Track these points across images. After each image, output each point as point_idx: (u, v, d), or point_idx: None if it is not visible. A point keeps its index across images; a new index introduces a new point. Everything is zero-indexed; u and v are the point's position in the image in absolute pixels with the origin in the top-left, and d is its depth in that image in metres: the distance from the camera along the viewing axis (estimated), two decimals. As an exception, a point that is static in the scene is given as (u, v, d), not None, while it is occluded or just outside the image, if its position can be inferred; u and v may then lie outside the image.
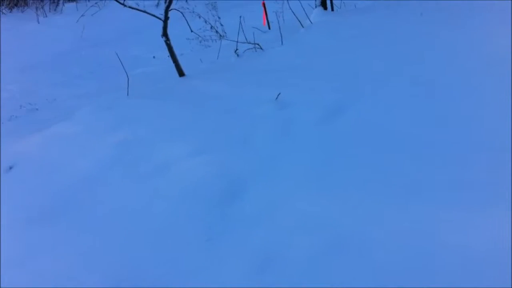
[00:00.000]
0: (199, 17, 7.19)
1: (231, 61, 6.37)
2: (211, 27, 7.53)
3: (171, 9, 5.79)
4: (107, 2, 9.13)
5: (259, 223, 2.87)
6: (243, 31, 6.76)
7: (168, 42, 5.85)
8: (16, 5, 12.33)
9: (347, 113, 3.80)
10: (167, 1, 5.74)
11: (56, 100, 6.67)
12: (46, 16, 11.80)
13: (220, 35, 7.52)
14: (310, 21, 7.02)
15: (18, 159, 4.21)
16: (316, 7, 7.52)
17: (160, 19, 5.76)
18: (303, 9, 7.33)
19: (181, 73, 5.92)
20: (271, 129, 3.84)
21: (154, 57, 8.32)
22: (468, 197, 2.56)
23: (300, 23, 6.99)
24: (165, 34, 5.82)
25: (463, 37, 4.48)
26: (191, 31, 6.74)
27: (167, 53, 6.02)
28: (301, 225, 2.75)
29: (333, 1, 7.73)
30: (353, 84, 4.29)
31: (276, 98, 4.34)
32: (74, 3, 12.48)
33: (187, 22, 6.43)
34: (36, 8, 11.91)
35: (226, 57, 6.57)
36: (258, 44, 6.53)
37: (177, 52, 5.97)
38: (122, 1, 5.72)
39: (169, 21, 5.78)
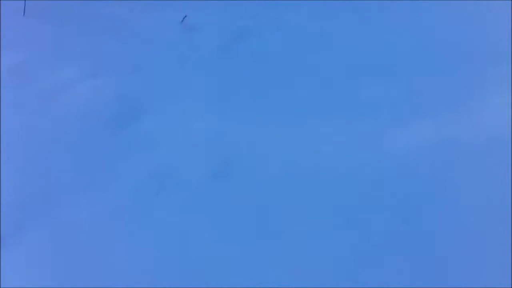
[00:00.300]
0: None
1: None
2: None
3: None
4: None
5: (155, 145, 2.77)
6: None
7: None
8: None
9: (250, 39, 3.74)
10: None
11: None
12: None
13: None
14: None
15: None
16: None
17: None
18: None
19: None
20: (172, 54, 3.67)
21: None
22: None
23: None
24: None
25: None
26: None
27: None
28: (198, 145, 2.70)
29: None
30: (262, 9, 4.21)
31: (182, 21, 4.14)
32: None
33: None
34: None
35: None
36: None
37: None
38: None
39: None
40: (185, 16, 4.18)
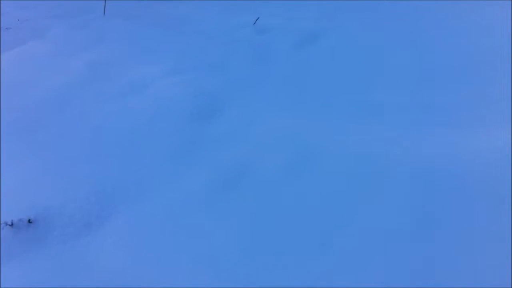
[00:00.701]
0: None
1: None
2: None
3: None
4: None
5: (232, 140, 2.89)
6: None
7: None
8: None
9: (322, 40, 3.80)
10: None
11: (29, 21, 6.37)
12: None
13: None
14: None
15: (-12, 75, 4.07)
16: None
17: None
18: None
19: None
20: (247, 53, 3.80)
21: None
22: (419, 118, 2.69)
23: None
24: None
25: None
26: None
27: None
28: (273, 141, 2.79)
29: None
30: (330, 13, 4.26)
31: (254, 24, 4.27)
32: None
33: None
34: None
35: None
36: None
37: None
38: None
39: None
40: (258, 18, 4.30)
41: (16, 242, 2.28)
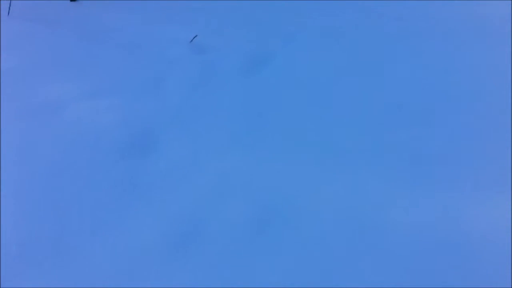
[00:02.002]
0: None
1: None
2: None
3: None
4: None
5: (175, 185, 2.34)
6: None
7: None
8: None
9: (272, 63, 3.40)
10: None
11: None
12: None
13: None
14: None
15: None
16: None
17: None
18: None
19: (72, -3, 4.94)
20: (185, 76, 3.28)
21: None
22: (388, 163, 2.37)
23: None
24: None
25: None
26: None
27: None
28: (228, 189, 2.26)
29: None
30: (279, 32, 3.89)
31: (191, 41, 3.77)
32: None
33: None
34: None
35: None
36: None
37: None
38: None
39: None
40: (195, 36, 3.82)
41: None
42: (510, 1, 3.50)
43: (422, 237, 1.92)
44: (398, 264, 1.82)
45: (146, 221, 2.09)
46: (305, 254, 1.90)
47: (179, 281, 1.79)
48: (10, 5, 4.52)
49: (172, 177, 2.36)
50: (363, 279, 1.77)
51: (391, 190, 2.16)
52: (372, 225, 1.98)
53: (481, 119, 2.66)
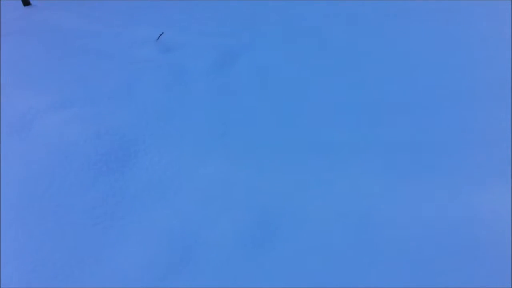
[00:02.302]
0: None
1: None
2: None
3: None
4: None
5: (162, 198, 2.25)
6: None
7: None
8: None
9: (243, 58, 3.33)
10: None
11: None
12: None
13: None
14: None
15: None
16: None
17: None
18: None
19: (25, 1, 4.68)
20: (157, 77, 3.17)
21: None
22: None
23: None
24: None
25: None
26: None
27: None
28: (221, 200, 2.18)
29: None
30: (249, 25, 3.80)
31: (157, 39, 3.65)
32: None
33: None
34: None
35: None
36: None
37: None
38: None
39: None
40: (162, 34, 3.70)
41: None
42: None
43: (421, 236, 1.91)
44: (400, 264, 1.82)
45: (133, 245, 2.01)
46: (310, 260, 1.87)
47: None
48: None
49: (157, 189, 2.27)
50: (369, 277, 1.77)
51: (388, 186, 2.14)
52: (374, 223, 1.97)
53: (481, 120, 2.59)
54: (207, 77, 3.13)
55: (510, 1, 3.50)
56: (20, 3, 4.69)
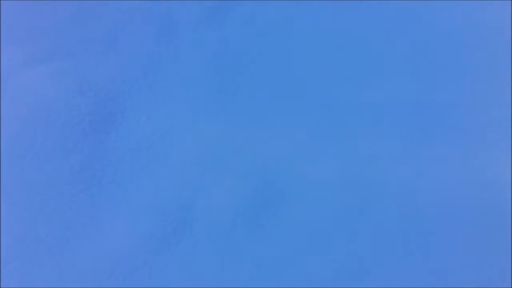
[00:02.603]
0: None
1: None
2: None
3: None
4: None
5: (153, 162, 2.06)
6: None
7: None
8: None
9: (238, 7, 3.05)
10: None
11: None
12: None
13: None
14: None
15: None
16: None
17: None
18: None
19: None
20: (145, 29, 2.90)
21: None
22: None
23: None
24: None
25: None
26: None
27: None
28: (217, 165, 2.01)
29: None
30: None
31: (144, -13, 3.33)
32: None
33: None
34: None
35: None
36: None
37: None
38: None
39: None
40: (148, -20, 3.37)
41: None
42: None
43: (429, 204, 1.77)
44: (406, 234, 1.68)
45: (123, 214, 1.84)
46: (315, 231, 1.73)
47: (169, 282, 1.59)
48: None
49: (146, 152, 2.09)
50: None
51: (397, 149, 1.98)
52: (382, 188, 1.82)
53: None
54: (199, 28, 2.87)
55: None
56: None
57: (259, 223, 1.79)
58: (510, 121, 2.11)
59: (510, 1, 3.42)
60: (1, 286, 1.71)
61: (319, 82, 2.40)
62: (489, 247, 1.75)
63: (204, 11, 3.01)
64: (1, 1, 2.99)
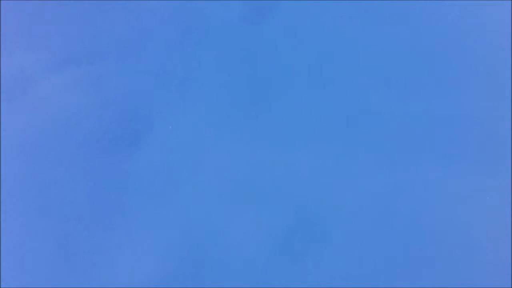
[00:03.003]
0: None
1: None
2: None
3: None
4: None
5: (175, 186, 1.84)
6: None
7: None
8: None
9: (281, 8, 2.75)
10: None
11: None
12: None
13: None
14: None
15: None
16: None
17: None
18: None
19: None
20: (175, 29, 2.64)
21: None
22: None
23: None
24: None
25: None
26: None
27: None
28: (239, 190, 1.79)
29: None
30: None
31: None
32: None
33: None
34: None
35: None
36: None
37: None
38: None
39: None
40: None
41: None
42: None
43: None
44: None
45: (139, 241, 1.62)
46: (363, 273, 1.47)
47: None
48: None
49: (168, 179, 1.84)
50: None
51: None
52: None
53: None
54: (235, 30, 2.59)
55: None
56: None
57: (297, 260, 1.54)
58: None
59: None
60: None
61: (367, 94, 2.10)
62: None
63: (241, 10, 2.71)
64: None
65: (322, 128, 2.01)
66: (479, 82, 2.48)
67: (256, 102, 2.16)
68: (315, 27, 2.65)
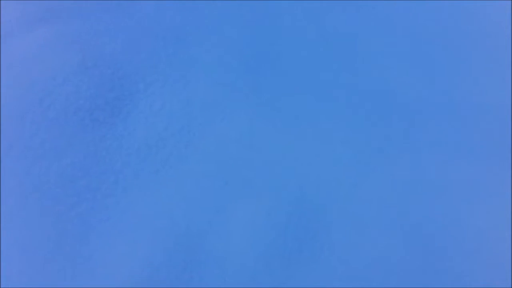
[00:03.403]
0: None
1: None
2: None
3: None
4: None
5: (160, 165, 1.65)
6: None
7: None
8: None
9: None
10: None
11: None
12: None
13: None
14: None
15: None
16: None
17: None
18: None
19: None
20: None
21: None
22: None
23: None
24: None
25: None
26: None
27: None
28: (229, 168, 1.63)
29: None
30: None
31: None
32: None
33: None
34: None
35: None
36: None
37: None
38: None
39: None
40: None
41: None
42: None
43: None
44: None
45: (120, 243, 1.47)
46: (364, 273, 1.34)
47: None
48: None
49: (155, 157, 1.67)
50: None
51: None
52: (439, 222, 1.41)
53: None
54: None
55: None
56: None
57: (294, 258, 1.41)
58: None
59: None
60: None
61: (379, 74, 1.88)
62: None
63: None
64: None
65: (327, 116, 1.81)
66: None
67: (255, 75, 1.95)
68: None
